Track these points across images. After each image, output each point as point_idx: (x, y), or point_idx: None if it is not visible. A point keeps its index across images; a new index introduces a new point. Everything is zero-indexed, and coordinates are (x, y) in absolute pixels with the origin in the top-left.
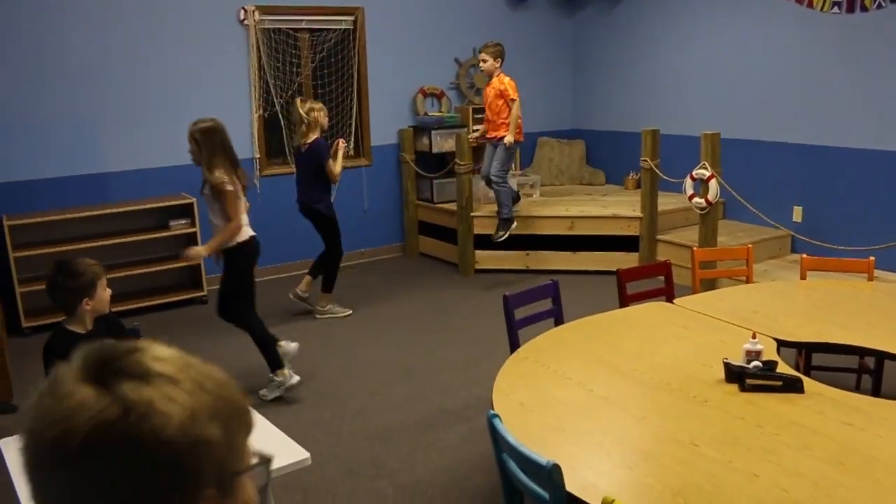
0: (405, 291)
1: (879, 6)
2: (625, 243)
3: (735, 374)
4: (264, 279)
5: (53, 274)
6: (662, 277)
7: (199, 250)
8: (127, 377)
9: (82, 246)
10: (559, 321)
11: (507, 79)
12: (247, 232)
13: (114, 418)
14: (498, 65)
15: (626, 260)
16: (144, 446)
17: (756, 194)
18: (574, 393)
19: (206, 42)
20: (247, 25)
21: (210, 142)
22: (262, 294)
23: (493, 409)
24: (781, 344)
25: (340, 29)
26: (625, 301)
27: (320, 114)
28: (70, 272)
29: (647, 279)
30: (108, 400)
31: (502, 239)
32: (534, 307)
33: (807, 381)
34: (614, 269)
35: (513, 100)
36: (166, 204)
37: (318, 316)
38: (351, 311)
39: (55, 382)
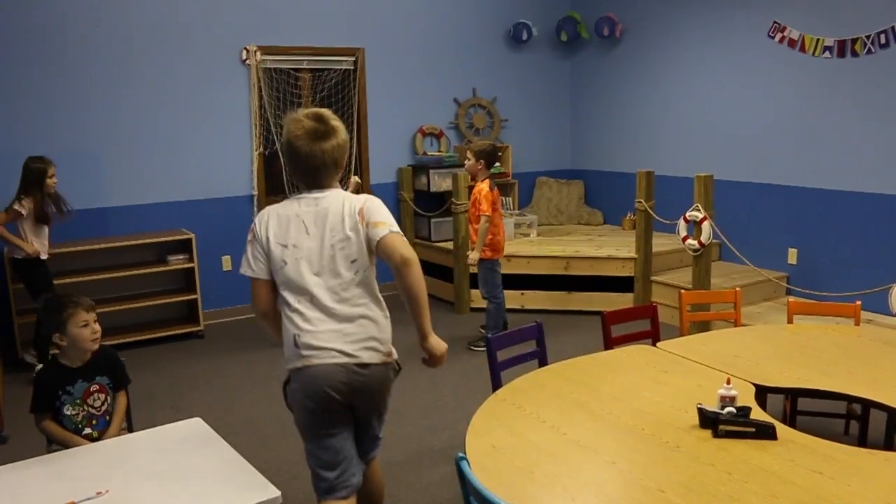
0: (399, 329)
1: (869, 52)
2: (620, 284)
3: (708, 420)
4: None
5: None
6: (649, 320)
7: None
8: None
9: (82, 279)
10: (543, 362)
11: (484, 187)
12: None
13: None
14: (481, 167)
15: (620, 301)
16: None
17: (751, 236)
18: (547, 436)
19: (208, 80)
20: (249, 65)
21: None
22: (256, 336)
23: (465, 450)
24: (761, 389)
25: (341, 69)
26: (609, 344)
27: None
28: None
29: (635, 321)
30: None
31: (477, 349)
32: (518, 348)
33: (781, 429)
34: (609, 308)
35: (483, 214)
36: (165, 239)
37: None
38: None
39: None
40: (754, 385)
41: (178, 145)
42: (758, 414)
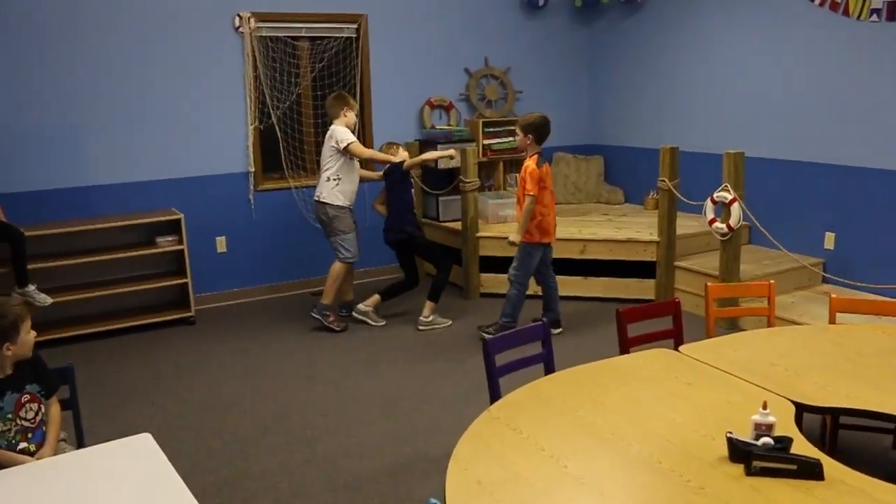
0: (403, 315)
1: None
2: (641, 269)
3: (740, 453)
4: (261, 298)
5: None
6: (671, 317)
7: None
8: None
9: (63, 262)
10: (549, 367)
11: (531, 164)
12: None
13: None
14: (529, 141)
15: (640, 288)
16: None
17: (784, 218)
18: (544, 469)
19: (198, 51)
20: (242, 33)
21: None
22: (260, 313)
23: (444, 486)
24: (802, 409)
25: (342, 37)
26: (625, 346)
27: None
28: None
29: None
30: None
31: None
32: (521, 350)
33: (829, 464)
34: (629, 296)
35: (528, 194)
36: (154, 220)
37: (420, 328)
38: (450, 322)
39: None
40: (794, 403)
41: (166, 119)
42: (801, 446)
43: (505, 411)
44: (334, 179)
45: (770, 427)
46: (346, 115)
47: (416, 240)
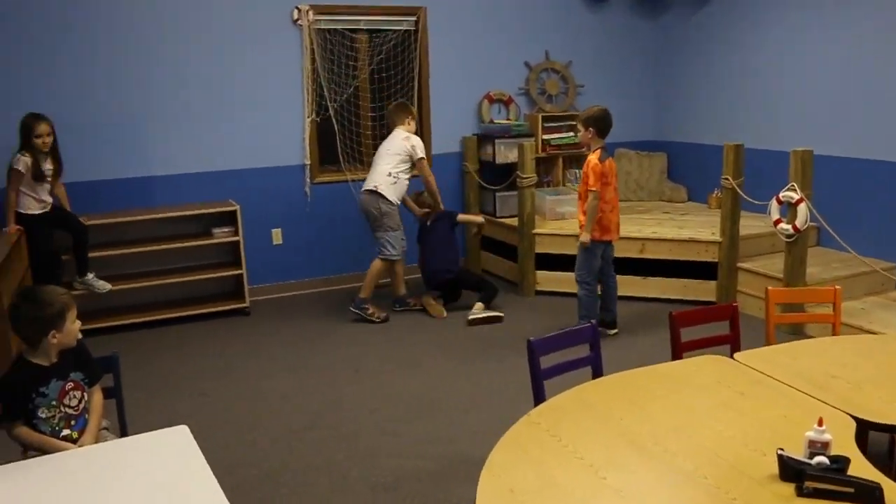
0: (455, 312)
1: None
2: (702, 270)
3: (792, 472)
4: (314, 291)
5: (18, 302)
6: (728, 322)
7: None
8: None
9: (123, 251)
10: (597, 371)
11: (593, 159)
12: None
13: None
14: (591, 135)
15: (700, 289)
16: None
17: (855, 220)
18: (582, 479)
19: (257, 43)
20: (300, 26)
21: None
22: (313, 305)
23: (477, 492)
24: (865, 426)
25: (401, 30)
26: (678, 351)
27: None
28: (37, 302)
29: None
30: None
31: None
32: (569, 352)
33: (892, 489)
34: (688, 297)
35: (590, 190)
36: (211, 211)
37: (470, 317)
38: (502, 314)
39: None
40: (855, 419)
41: (224, 111)
42: (859, 466)
43: (545, 416)
44: (394, 176)
45: (826, 445)
46: (409, 124)
47: (460, 274)
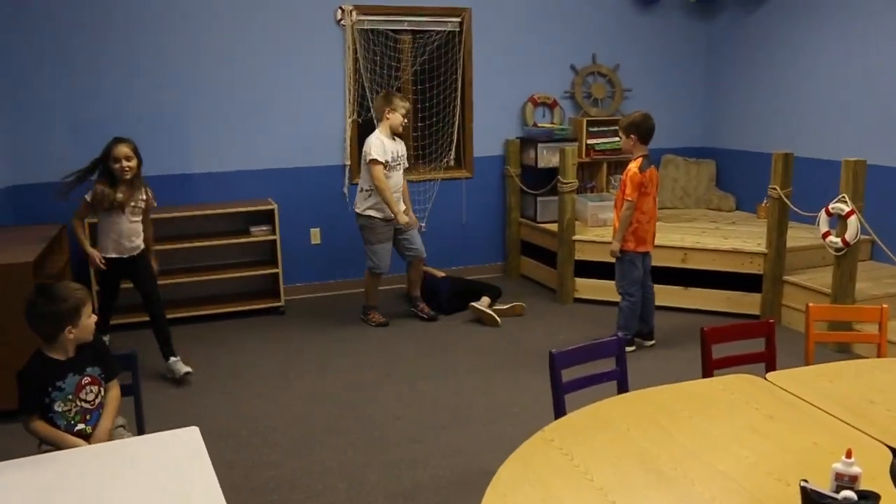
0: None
1: None
2: (746, 282)
3: None
4: (350, 292)
5: (34, 299)
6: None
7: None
8: None
9: (160, 247)
10: (623, 387)
11: (633, 167)
12: None
13: None
14: (633, 142)
15: (744, 302)
16: None
17: None
18: (588, 502)
19: (300, 43)
20: (344, 26)
21: None
22: (348, 307)
23: None
24: None
25: (445, 31)
26: (709, 368)
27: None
28: (52, 297)
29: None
30: None
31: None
32: (594, 366)
33: None
34: (731, 310)
35: (627, 199)
36: (249, 209)
37: (475, 304)
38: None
39: None
40: (892, 450)
41: (266, 111)
42: (890, 502)
43: (559, 433)
44: (367, 191)
45: (854, 479)
46: (388, 118)
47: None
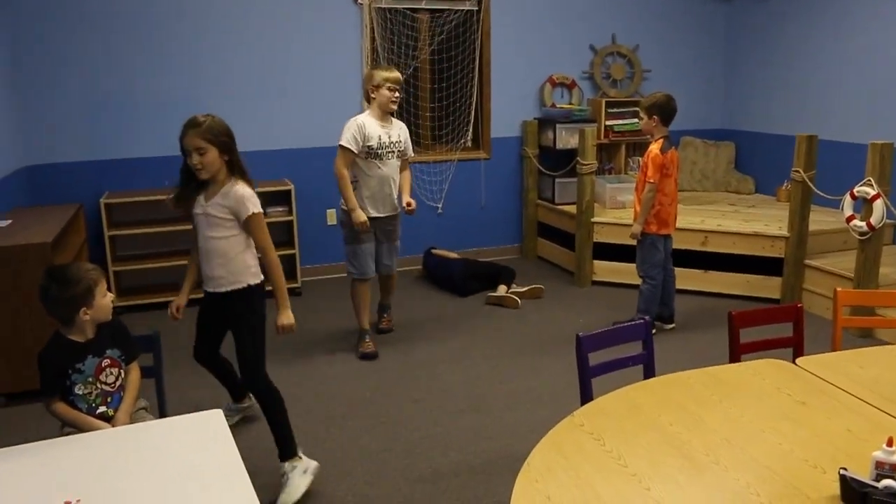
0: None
1: None
2: (767, 266)
3: (855, 494)
4: None
5: (46, 283)
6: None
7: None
8: None
9: (176, 228)
10: (649, 371)
11: (654, 149)
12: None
13: None
14: (655, 123)
15: (765, 286)
16: None
17: None
18: (624, 490)
19: (317, 22)
20: (361, 5)
21: None
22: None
23: (512, 497)
24: None
25: (463, 10)
26: (736, 353)
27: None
28: (64, 280)
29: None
30: None
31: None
32: (620, 349)
33: None
34: (751, 294)
35: (648, 181)
36: (265, 189)
37: (490, 294)
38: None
39: None
40: None
41: (282, 90)
42: None
43: (590, 419)
44: (351, 182)
45: (895, 468)
46: (374, 95)
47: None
